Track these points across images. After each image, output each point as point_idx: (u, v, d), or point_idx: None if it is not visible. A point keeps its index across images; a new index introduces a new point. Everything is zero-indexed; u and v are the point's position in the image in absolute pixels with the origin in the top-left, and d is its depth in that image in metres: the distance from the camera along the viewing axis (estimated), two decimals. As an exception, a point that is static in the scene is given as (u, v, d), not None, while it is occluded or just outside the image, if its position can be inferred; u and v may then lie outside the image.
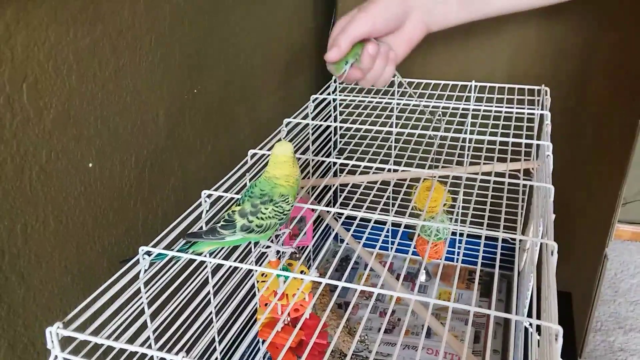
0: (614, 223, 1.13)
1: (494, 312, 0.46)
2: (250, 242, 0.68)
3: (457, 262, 1.11)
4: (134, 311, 0.52)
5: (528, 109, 0.90)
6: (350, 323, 0.97)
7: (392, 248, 1.12)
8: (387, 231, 1.05)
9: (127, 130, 0.63)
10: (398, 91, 1.04)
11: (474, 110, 0.93)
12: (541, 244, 0.57)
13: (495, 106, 0.90)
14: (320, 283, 0.53)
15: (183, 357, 0.41)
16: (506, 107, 0.90)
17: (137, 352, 0.55)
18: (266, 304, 0.68)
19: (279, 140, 0.82)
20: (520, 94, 0.97)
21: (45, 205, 0.53)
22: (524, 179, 0.71)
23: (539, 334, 0.57)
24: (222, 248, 0.60)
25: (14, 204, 0.50)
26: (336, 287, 0.51)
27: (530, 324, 0.49)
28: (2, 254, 0.49)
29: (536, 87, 0.97)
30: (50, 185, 0.53)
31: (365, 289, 0.49)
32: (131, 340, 0.48)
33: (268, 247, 0.62)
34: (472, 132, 0.92)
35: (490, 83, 1.00)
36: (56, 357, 0.45)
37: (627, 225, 2.15)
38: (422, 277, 1.03)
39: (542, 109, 0.88)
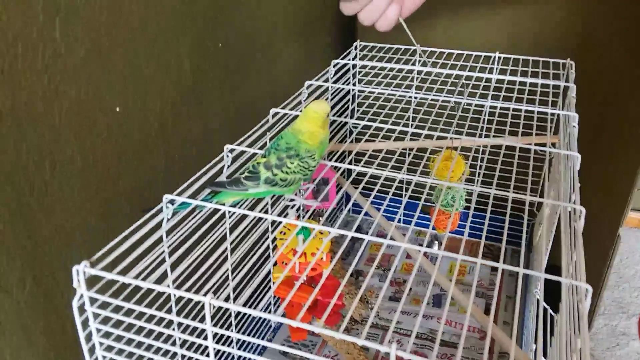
0: (629, 204, 1.12)
1: (523, 269, 0.46)
2: (273, 197, 0.67)
3: (466, 235, 1.11)
4: (155, 259, 0.51)
5: (553, 81, 0.88)
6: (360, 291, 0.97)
7: (409, 221, 1.11)
8: (403, 205, 1.04)
9: (153, 76, 0.63)
10: (420, 60, 1.03)
11: (497, 81, 0.91)
12: (565, 209, 0.56)
13: (520, 78, 0.89)
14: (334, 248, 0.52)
15: (211, 297, 0.41)
16: (530, 79, 0.89)
17: (159, 297, 0.55)
18: (284, 262, 0.67)
19: (299, 102, 0.81)
20: (545, 67, 0.95)
21: (73, 143, 0.52)
22: (549, 150, 0.70)
23: (555, 311, 0.56)
24: (244, 201, 0.59)
25: (43, 139, 0.49)
26: (348, 254, 0.51)
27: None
28: (30, 188, 0.49)
29: (561, 61, 0.95)
30: (78, 123, 0.53)
31: (374, 240, 0.49)
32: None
33: (292, 200, 0.62)
34: (497, 99, 0.91)
35: (515, 55, 0.98)
36: (82, 295, 0.45)
37: (635, 212, 2.14)
38: (434, 249, 1.03)
39: (566, 82, 0.87)
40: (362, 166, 0.63)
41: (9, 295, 0.49)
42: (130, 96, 0.59)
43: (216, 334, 0.43)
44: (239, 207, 0.59)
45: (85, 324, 0.46)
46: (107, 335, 0.47)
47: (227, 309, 0.73)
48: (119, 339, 0.47)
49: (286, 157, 0.54)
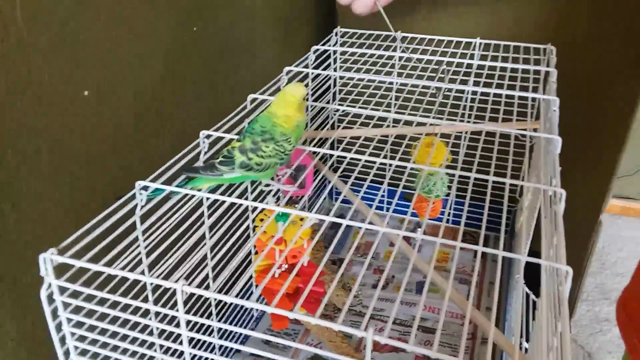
0: (609, 191, 1.13)
1: (502, 252, 0.45)
2: (248, 183, 0.66)
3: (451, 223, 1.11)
4: (128, 246, 0.50)
5: (533, 66, 0.88)
6: (344, 278, 0.97)
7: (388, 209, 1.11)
8: (384, 191, 1.04)
9: (125, 62, 0.61)
10: (400, 47, 1.02)
11: (478, 67, 0.91)
12: (546, 192, 0.56)
13: (500, 63, 0.88)
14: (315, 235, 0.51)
15: (183, 284, 0.40)
16: (511, 65, 0.88)
17: (134, 286, 0.54)
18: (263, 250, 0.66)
19: (279, 88, 0.80)
20: (526, 53, 0.95)
21: (38, 132, 0.51)
22: (529, 134, 0.69)
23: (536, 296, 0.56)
24: (220, 187, 0.58)
25: (7, 129, 0.47)
26: (330, 243, 0.50)
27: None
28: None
29: (542, 46, 0.95)
30: (44, 111, 0.51)
31: (353, 224, 0.48)
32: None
33: (267, 185, 0.60)
34: (478, 85, 0.90)
35: (495, 41, 0.98)
36: (50, 285, 0.43)
37: (616, 199, 2.17)
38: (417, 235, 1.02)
39: (547, 67, 0.87)
40: (341, 152, 0.62)
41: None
42: (100, 82, 0.58)
43: (192, 322, 0.42)
44: (217, 193, 0.58)
45: (55, 314, 0.45)
46: (79, 325, 0.46)
47: (207, 298, 0.72)
48: (91, 329, 0.46)
49: (261, 141, 0.53)
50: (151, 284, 0.57)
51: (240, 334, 0.83)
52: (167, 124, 0.71)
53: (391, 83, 0.87)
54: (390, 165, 0.62)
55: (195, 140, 0.62)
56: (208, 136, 0.63)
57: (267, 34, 0.94)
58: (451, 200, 0.56)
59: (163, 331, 0.49)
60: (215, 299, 0.71)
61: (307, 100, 0.56)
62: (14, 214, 0.50)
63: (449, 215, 1.08)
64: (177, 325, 0.43)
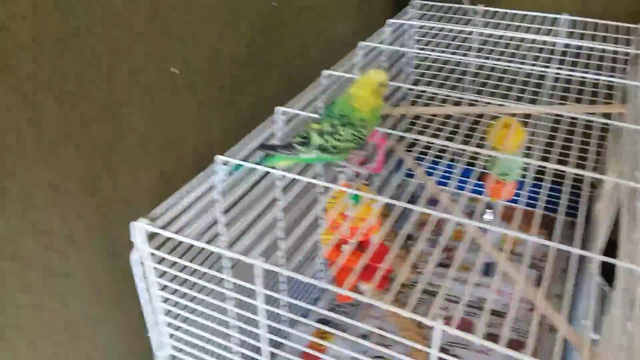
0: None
1: (577, 250, 0.44)
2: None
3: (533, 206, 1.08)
4: (209, 218, 0.53)
5: (622, 47, 0.83)
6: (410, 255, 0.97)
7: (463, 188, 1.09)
8: (458, 170, 1.02)
9: (210, 39, 0.63)
10: (480, 21, 0.99)
11: (562, 45, 0.87)
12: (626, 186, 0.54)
13: (586, 42, 0.84)
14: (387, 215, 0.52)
15: (263, 261, 0.42)
16: (597, 44, 0.84)
17: (211, 257, 0.57)
18: (334, 227, 0.68)
19: (353, 64, 0.80)
20: (615, 32, 0.90)
21: (134, 107, 0.54)
22: (611, 122, 0.67)
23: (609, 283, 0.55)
24: (296, 166, 0.60)
25: (105, 105, 0.51)
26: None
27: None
28: (95, 151, 0.51)
29: (632, 25, 0.89)
30: (139, 87, 0.54)
31: (424, 211, 0.48)
32: (209, 242, 0.50)
33: (341, 166, 0.62)
34: (559, 69, 0.87)
35: (583, 18, 0.93)
36: (139, 250, 0.47)
37: None
38: (487, 216, 1.01)
39: (637, 49, 0.82)
40: (416, 134, 0.62)
41: (78, 249, 0.52)
42: (187, 59, 0.60)
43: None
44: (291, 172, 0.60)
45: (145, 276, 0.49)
46: (163, 287, 0.50)
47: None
48: (174, 292, 0.50)
49: (339, 125, 0.54)
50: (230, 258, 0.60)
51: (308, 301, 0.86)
52: (246, 94, 0.73)
53: (468, 62, 0.85)
54: (464, 150, 0.61)
55: (270, 115, 0.64)
56: (284, 112, 0.65)
57: (342, 4, 0.94)
58: (527, 185, 0.55)
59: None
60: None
61: (386, 86, 0.56)
62: (112, 181, 0.54)
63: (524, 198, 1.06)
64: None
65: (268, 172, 0.58)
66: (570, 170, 0.55)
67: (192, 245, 0.50)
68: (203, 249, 0.54)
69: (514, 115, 0.74)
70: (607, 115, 0.74)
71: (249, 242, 0.55)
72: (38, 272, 0.47)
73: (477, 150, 0.59)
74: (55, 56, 0.44)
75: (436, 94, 0.74)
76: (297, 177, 0.55)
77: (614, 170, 0.75)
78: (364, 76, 0.55)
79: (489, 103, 0.73)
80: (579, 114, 0.68)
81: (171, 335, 0.51)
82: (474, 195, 1.14)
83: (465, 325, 0.85)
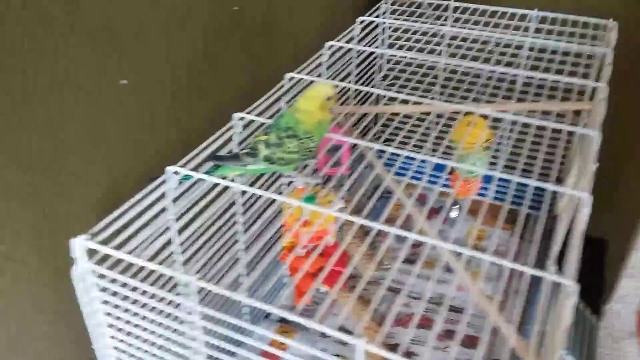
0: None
1: (530, 269, 0.45)
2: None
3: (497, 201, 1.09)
4: (159, 228, 0.54)
5: (590, 45, 0.83)
6: (376, 251, 0.98)
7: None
8: (422, 162, 1.02)
9: (162, 46, 0.63)
10: (452, 17, 0.98)
11: (530, 43, 0.86)
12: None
13: (554, 42, 0.84)
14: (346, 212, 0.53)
15: (198, 278, 0.43)
16: (566, 42, 0.84)
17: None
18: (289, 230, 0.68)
19: (319, 65, 0.79)
20: (587, 28, 0.89)
21: (78, 120, 0.54)
22: (570, 124, 0.67)
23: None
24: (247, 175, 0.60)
25: (50, 117, 0.51)
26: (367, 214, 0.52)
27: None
28: (37, 165, 0.51)
29: (602, 21, 0.89)
30: (85, 99, 0.54)
31: (381, 227, 0.49)
32: (156, 255, 0.51)
33: (289, 176, 0.62)
34: (525, 67, 0.86)
35: (554, 13, 0.92)
36: (80, 266, 0.47)
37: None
38: (453, 214, 1.02)
39: (605, 47, 0.81)
40: (382, 144, 0.62)
41: (19, 265, 0.52)
42: (138, 68, 0.60)
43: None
44: (244, 182, 0.60)
45: (87, 291, 0.49)
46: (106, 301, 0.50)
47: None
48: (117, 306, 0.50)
49: (285, 137, 0.54)
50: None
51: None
52: (204, 102, 0.72)
53: (441, 65, 0.85)
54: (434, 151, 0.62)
55: (229, 122, 0.64)
56: (241, 118, 0.65)
57: (310, 4, 0.93)
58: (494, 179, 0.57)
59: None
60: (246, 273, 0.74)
61: (334, 99, 0.56)
62: (56, 194, 0.54)
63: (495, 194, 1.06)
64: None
65: (218, 184, 0.58)
66: (533, 183, 0.56)
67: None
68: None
69: (485, 117, 0.75)
70: (577, 114, 0.74)
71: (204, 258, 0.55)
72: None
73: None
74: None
75: (407, 100, 0.74)
76: (245, 188, 0.55)
77: (574, 175, 0.76)
78: (311, 89, 0.55)
79: (459, 103, 0.74)
80: (549, 114, 0.68)
81: (115, 348, 0.52)
82: (439, 188, 1.15)
83: (426, 322, 0.86)
